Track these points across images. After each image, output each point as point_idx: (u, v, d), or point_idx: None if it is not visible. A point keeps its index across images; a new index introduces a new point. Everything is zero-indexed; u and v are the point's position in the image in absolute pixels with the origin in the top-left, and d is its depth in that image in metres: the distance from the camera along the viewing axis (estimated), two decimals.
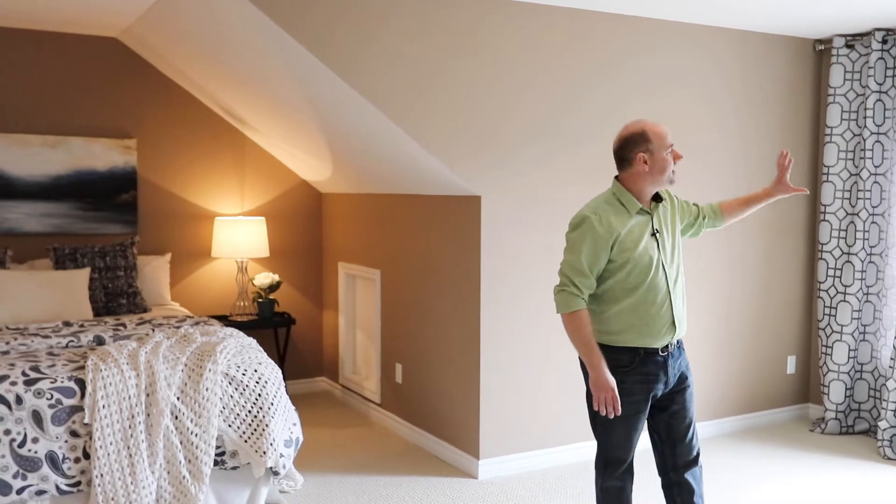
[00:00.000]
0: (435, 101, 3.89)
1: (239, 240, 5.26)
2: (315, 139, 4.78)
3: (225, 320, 5.31)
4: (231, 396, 3.54)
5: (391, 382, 4.96)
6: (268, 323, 5.39)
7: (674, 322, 2.74)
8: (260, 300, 5.37)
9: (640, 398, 2.76)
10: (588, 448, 4.39)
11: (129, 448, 3.30)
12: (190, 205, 5.39)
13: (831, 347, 4.94)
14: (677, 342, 2.81)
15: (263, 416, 3.55)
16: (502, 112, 4.06)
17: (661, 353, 2.75)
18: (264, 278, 5.35)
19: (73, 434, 3.26)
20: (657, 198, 2.81)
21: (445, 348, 4.40)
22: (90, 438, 3.26)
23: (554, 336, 4.28)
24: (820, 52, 5.10)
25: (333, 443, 4.71)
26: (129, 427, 3.32)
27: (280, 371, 3.77)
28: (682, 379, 2.85)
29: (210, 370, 3.52)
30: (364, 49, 3.72)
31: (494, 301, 4.13)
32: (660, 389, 2.78)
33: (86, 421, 3.26)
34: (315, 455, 4.47)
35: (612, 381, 2.66)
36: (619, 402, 2.65)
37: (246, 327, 5.26)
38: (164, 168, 5.32)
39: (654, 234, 2.74)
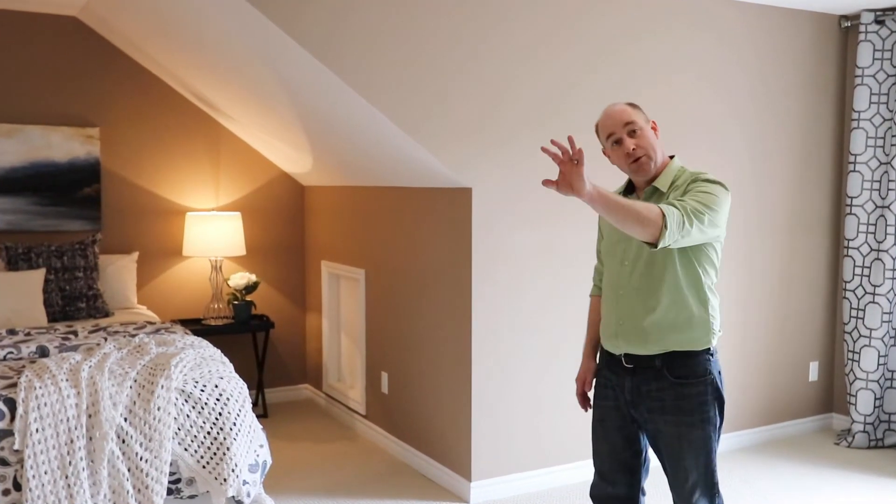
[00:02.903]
0: (420, 84, 3.47)
1: (213, 237, 4.84)
2: (292, 127, 4.35)
3: (198, 324, 4.91)
4: (187, 416, 3.13)
5: (377, 392, 4.54)
6: (244, 327, 4.97)
7: (617, 329, 2.36)
8: (236, 302, 4.96)
9: (604, 405, 2.48)
10: (591, 467, 3.97)
11: (67, 477, 2.89)
12: (159, 199, 4.97)
13: (858, 353, 4.51)
14: (658, 367, 2.31)
15: (224, 438, 3.14)
16: (494, 96, 3.63)
17: (625, 363, 2.38)
18: (240, 279, 4.94)
19: (2, 462, 2.85)
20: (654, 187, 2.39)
21: (434, 356, 3.98)
22: (21, 467, 2.86)
23: (553, 341, 3.87)
24: (846, 30, 4.65)
25: (313, 459, 4.30)
26: (68, 453, 2.91)
27: (245, 386, 3.35)
28: (657, 414, 2.32)
29: (163, 386, 3.10)
30: (342, 28, 3.29)
31: (487, 303, 3.71)
32: (624, 404, 2.41)
33: (16, 447, 2.86)
34: (291, 474, 4.06)
35: (583, 373, 2.60)
36: (584, 400, 2.61)
37: (221, 331, 4.86)
38: (131, 159, 4.89)
39: None
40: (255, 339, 5.14)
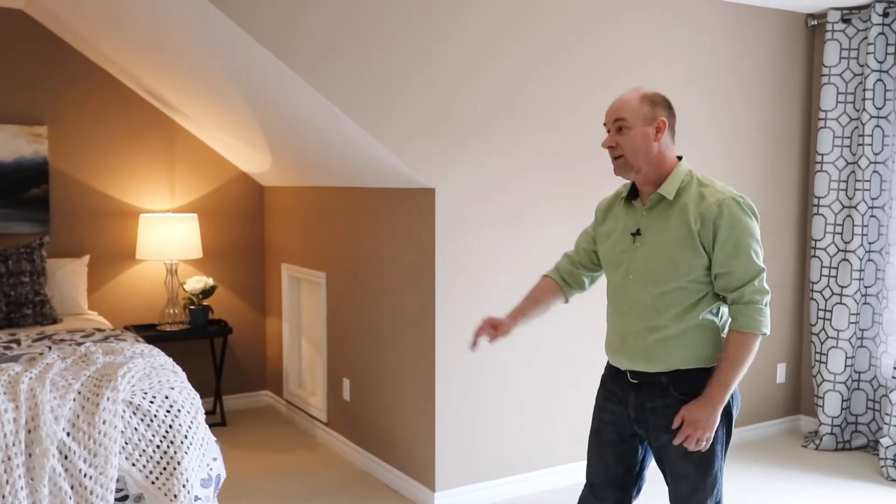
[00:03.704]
0: (379, 79, 3.34)
1: (168, 239, 4.66)
2: (250, 126, 4.20)
3: (153, 329, 4.73)
4: (135, 429, 2.97)
5: (338, 399, 4.40)
6: (201, 332, 4.80)
7: (621, 345, 2.25)
8: (192, 307, 4.78)
9: (602, 418, 2.35)
10: (560, 474, 3.88)
11: (3, 497, 2.72)
12: (111, 200, 4.78)
13: (826, 355, 4.47)
14: (664, 384, 2.20)
15: (175, 452, 2.98)
16: (456, 93, 3.52)
17: (631, 378, 2.26)
18: (197, 282, 4.76)
19: None
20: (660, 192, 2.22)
21: (397, 362, 3.86)
22: None
23: (520, 346, 3.76)
24: (813, 28, 4.61)
25: (272, 470, 4.15)
26: (5, 472, 2.73)
27: (197, 397, 3.20)
28: (663, 431, 2.21)
29: (109, 398, 2.94)
30: (301, 24, 3.16)
31: (451, 306, 3.59)
32: (627, 419, 2.28)
33: None
34: (249, 486, 3.91)
35: (495, 322, 2.40)
36: (481, 334, 2.41)
37: (177, 337, 4.69)
38: (81, 159, 4.70)
39: (633, 234, 2.24)
40: (212, 344, 4.97)
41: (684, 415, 2.14)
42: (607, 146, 2.20)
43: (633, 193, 2.29)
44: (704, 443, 2.14)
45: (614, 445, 2.33)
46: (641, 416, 2.25)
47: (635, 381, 2.25)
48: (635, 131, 2.16)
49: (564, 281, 2.48)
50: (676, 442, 2.15)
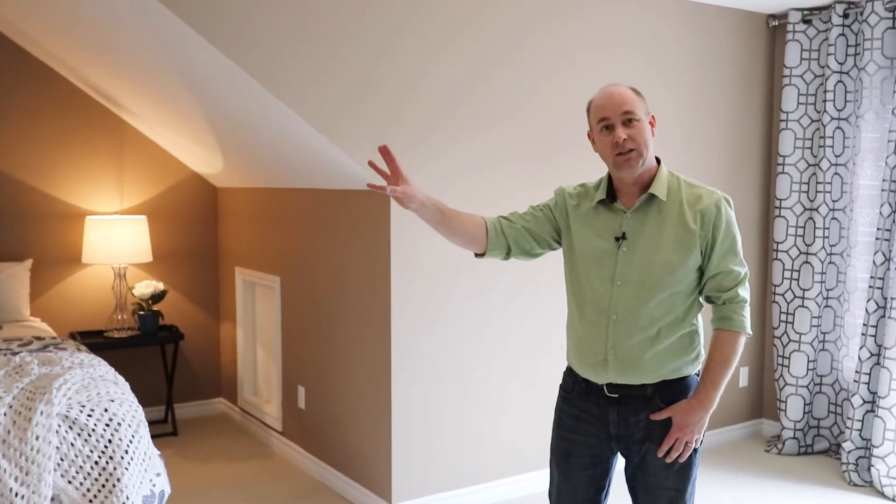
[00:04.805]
0: (332, 80, 3.21)
1: (116, 242, 4.48)
2: (198, 124, 4.04)
3: (100, 336, 4.55)
4: (72, 444, 2.82)
5: (293, 408, 4.26)
6: (151, 338, 4.63)
7: (607, 357, 2.09)
8: (141, 312, 4.61)
9: (573, 438, 2.19)
10: (519, 483, 3.79)
11: None
12: (55, 201, 4.58)
13: (788, 358, 4.43)
14: (649, 395, 2.10)
15: (115, 468, 2.84)
16: (411, 89, 3.40)
17: (608, 392, 2.12)
18: (146, 287, 4.59)
19: None
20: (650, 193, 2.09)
21: (352, 369, 3.73)
22: None
23: (477, 353, 3.66)
24: (774, 29, 4.58)
25: (224, 481, 4.00)
26: None
27: (140, 409, 3.05)
28: (647, 443, 2.11)
29: (42, 412, 2.78)
30: (248, 19, 3.02)
31: (407, 311, 3.48)
32: (605, 438, 2.15)
33: None
34: (200, 497, 3.76)
35: (407, 184, 2.10)
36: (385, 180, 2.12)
37: (125, 344, 4.51)
38: (22, 158, 4.50)
39: (618, 239, 2.10)
40: (163, 351, 4.79)
41: (674, 420, 2.07)
42: (622, 140, 2.03)
43: (609, 194, 2.15)
44: (694, 445, 2.09)
45: (587, 468, 2.20)
46: (624, 431, 2.13)
47: (614, 396, 2.13)
48: (643, 123, 2.06)
49: (496, 230, 2.20)
50: (662, 450, 2.08)
